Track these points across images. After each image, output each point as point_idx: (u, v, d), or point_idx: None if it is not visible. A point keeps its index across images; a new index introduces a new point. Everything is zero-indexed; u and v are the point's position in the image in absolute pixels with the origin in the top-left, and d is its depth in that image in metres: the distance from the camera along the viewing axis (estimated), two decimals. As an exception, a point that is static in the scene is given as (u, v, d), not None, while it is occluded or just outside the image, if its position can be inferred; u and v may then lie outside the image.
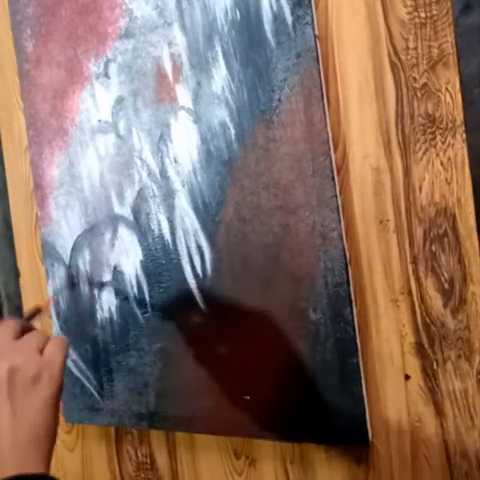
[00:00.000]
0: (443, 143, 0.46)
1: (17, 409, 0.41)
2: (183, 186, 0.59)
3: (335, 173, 0.50)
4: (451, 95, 0.46)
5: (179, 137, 0.58)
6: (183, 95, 0.58)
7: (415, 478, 0.50)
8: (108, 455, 0.73)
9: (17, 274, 0.77)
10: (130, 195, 0.62)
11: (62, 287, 0.69)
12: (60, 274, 0.70)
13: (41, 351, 0.45)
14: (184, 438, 0.65)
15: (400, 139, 0.48)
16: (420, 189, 0.48)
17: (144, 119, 0.61)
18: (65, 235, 0.69)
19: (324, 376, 0.52)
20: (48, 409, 0.43)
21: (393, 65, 0.48)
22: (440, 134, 0.46)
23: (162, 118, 0.59)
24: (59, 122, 0.68)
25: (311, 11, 0.50)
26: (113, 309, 0.65)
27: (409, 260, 0.49)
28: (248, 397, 0.56)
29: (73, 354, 0.69)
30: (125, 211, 0.63)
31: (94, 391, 0.68)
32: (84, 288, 0.68)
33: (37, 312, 0.45)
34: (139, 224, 0.62)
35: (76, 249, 0.68)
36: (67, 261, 0.69)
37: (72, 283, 0.69)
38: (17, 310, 0.77)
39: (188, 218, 0.59)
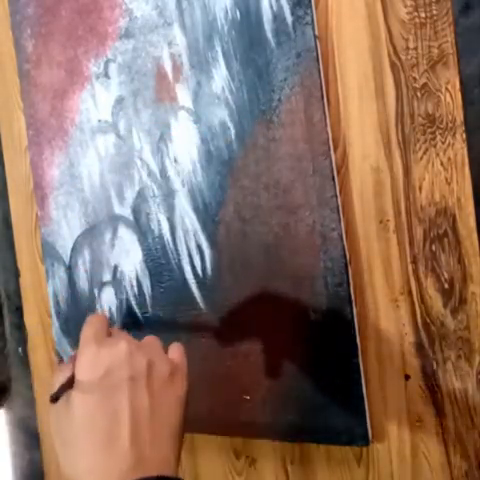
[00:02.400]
0: (443, 143, 0.46)
1: (155, 405, 0.40)
2: (183, 186, 0.59)
3: (335, 173, 0.50)
4: (451, 95, 0.46)
5: (179, 137, 0.58)
6: (183, 95, 0.58)
7: (415, 478, 0.50)
8: (108, 455, 0.72)
9: (17, 274, 0.77)
10: (130, 195, 0.62)
11: (62, 287, 0.69)
12: (60, 274, 0.70)
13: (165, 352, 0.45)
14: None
15: (400, 139, 0.48)
16: (420, 189, 0.48)
17: (144, 119, 0.61)
18: (65, 235, 0.69)
19: (324, 376, 0.52)
20: (181, 408, 0.42)
21: (393, 65, 0.48)
22: (440, 134, 0.46)
23: (162, 118, 0.59)
24: (59, 122, 0.68)
25: (311, 11, 0.50)
26: (113, 309, 0.65)
27: (409, 260, 0.49)
28: (248, 397, 0.56)
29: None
30: (125, 211, 0.63)
31: (94, 391, 0.68)
32: (84, 288, 0.68)
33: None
34: (139, 224, 0.62)
35: (76, 249, 0.68)
36: (67, 261, 0.69)
37: (72, 283, 0.69)
38: (17, 310, 0.77)
39: (188, 218, 0.59)
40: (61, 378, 0.41)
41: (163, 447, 0.39)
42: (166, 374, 0.41)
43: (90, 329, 0.44)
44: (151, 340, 0.45)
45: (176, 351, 0.45)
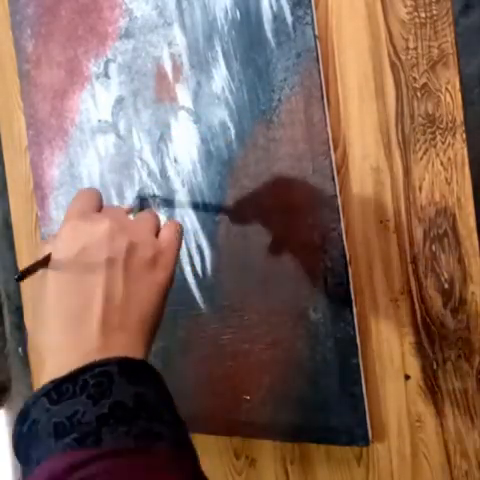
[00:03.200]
0: (443, 143, 0.46)
1: (130, 288, 0.38)
2: (183, 186, 0.59)
3: (335, 173, 0.50)
4: (451, 95, 0.46)
5: (179, 137, 0.58)
6: (183, 95, 0.58)
7: (415, 478, 0.50)
8: (108, 455, 0.72)
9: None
10: (130, 195, 0.62)
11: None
12: (60, 274, 0.70)
13: (156, 234, 0.42)
14: (184, 438, 0.65)
15: (400, 139, 0.48)
16: (420, 189, 0.48)
17: (144, 119, 0.61)
18: (65, 235, 0.69)
19: (324, 376, 0.52)
20: (159, 295, 0.39)
21: (393, 65, 0.48)
22: (440, 134, 0.46)
23: (162, 118, 0.59)
24: (59, 122, 0.68)
25: (311, 11, 0.50)
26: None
27: (409, 260, 0.49)
28: (248, 397, 0.56)
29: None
30: (125, 211, 0.63)
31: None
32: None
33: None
34: (139, 224, 0.62)
35: (76, 249, 0.68)
36: (67, 261, 0.69)
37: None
38: (17, 310, 0.77)
39: (188, 218, 0.59)
40: (40, 256, 0.39)
41: (133, 333, 0.37)
42: (147, 259, 0.39)
43: (76, 203, 0.41)
44: (144, 218, 0.42)
45: (168, 232, 0.42)
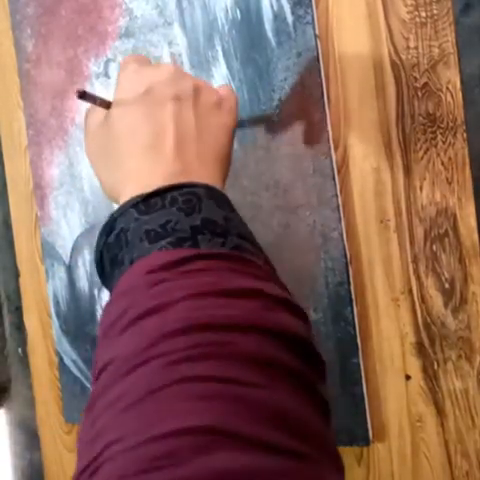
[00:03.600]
0: (444, 143, 0.46)
1: (201, 126, 0.37)
2: (183, 186, 0.58)
3: (335, 173, 0.50)
4: (452, 95, 0.46)
5: (179, 137, 0.58)
6: (183, 95, 0.57)
7: (416, 478, 0.50)
8: (108, 455, 0.72)
9: (17, 274, 0.76)
10: (130, 195, 0.62)
11: (62, 287, 0.69)
12: (60, 274, 0.70)
13: None
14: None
15: (400, 139, 0.48)
16: (421, 189, 0.48)
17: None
18: (65, 235, 0.69)
19: (324, 376, 0.52)
20: (228, 137, 0.39)
21: (394, 64, 0.48)
22: (441, 134, 0.46)
23: (162, 118, 0.59)
24: (59, 122, 0.68)
25: (312, 10, 0.50)
26: (113, 309, 0.65)
27: (410, 260, 0.49)
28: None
29: (73, 354, 0.69)
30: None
31: (94, 391, 0.68)
32: (84, 288, 0.67)
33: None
34: (139, 224, 0.62)
35: (76, 249, 0.68)
36: (67, 261, 0.69)
37: (72, 283, 0.68)
38: (17, 310, 0.77)
39: (188, 218, 0.58)
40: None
41: (209, 166, 0.36)
42: (213, 101, 0.39)
43: (130, 57, 0.40)
44: (198, 78, 0.41)
45: (224, 87, 0.42)
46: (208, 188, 0.34)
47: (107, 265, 0.34)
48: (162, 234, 0.31)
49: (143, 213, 0.32)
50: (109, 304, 0.31)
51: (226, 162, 0.39)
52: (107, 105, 0.38)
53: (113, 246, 0.33)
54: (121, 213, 0.33)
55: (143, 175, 0.35)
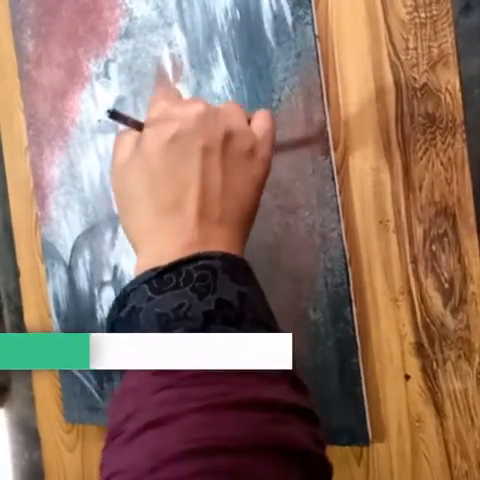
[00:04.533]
0: (443, 143, 0.46)
1: (228, 180, 0.35)
2: (183, 186, 0.58)
3: (335, 173, 0.50)
4: (451, 95, 0.46)
5: (179, 137, 0.58)
6: (183, 95, 0.58)
7: (415, 478, 0.50)
8: (108, 455, 0.72)
9: (17, 274, 0.77)
10: (130, 195, 0.62)
11: (62, 287, 0.69)
12: (60, 274, 0.70)
13: (248, 122, 0.37)
14: (184, 438, 0.65)
15: (400, 139, 0.48)
16: (420, 189, 0.48)
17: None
18: (65, 235, 0.69)
19: (324, 376, 0.52)
20: (257, 191, 0.36)
21: (393, 65, 0.48)
22: (440, 134, 0.46)
23: (162, 118, 0.59)
24: (59, 122, 0.68)
25: (311, 11, 0.50)
26: (113, 309, 0.65)
27: (409, 260, 0.49)
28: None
29: (73, 354, 0.69)
30: (125, 211, 0.63)
31: (94, 391, 0.68)
32: (84, 288, 0.68)
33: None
34: (139, 224, 0.62)
35: (76, 249, 0.68)
36: (67, 261, 0.69)
37: (72, 283, 0.69)
38: (17, 310, 0.77)
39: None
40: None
41: (231, 228, 0.35)
42: (245, 149, 0.36)
43: (160, 91, 0.38)
44: (232, 106, 0.38)
45: (262, 122, 0.38)
46: (225, 258, 0.33)
47: None
48: (173, 321, 0.30)
49: (156, 292, 0.31)
50: (116, 400, 0.31)
51: (251, 218, 0.37)
52: (139, 127, 0.36)
53: (125, 323, 0.32)
54: (134, 288, 0.32)
55: (160, 240, 0.34)
